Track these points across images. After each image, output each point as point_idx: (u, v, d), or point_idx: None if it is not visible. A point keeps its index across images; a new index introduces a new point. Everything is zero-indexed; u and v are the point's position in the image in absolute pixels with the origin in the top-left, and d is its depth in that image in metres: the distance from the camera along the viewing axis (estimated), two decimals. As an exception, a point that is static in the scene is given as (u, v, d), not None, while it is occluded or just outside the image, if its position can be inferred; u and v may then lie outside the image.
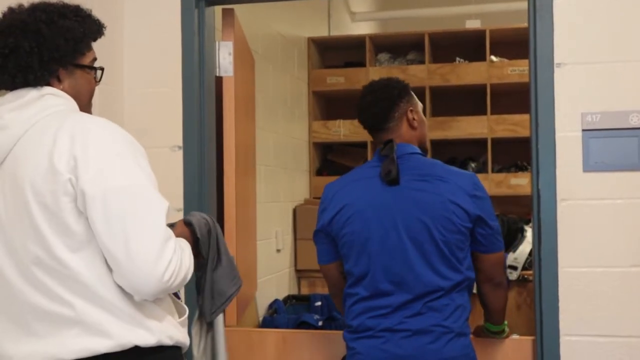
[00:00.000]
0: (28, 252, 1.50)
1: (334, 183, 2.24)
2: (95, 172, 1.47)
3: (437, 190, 2.07)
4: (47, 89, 1.61)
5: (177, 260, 1.49)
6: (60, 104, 1.60)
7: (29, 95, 1.58)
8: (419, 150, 2.19)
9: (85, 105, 1.70)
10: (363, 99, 2.24)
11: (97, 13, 1.75)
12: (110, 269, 1.50)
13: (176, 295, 1.77)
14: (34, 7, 1.63)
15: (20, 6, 1.64)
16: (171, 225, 1.69)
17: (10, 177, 1.54)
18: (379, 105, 2.19)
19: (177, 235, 1.62)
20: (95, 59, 1.72)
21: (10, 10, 1.64)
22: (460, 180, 2.10)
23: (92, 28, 1.68)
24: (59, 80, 1.64)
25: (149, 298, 1.50)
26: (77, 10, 1.67)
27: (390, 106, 2.19)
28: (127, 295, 1.51)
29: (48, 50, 1.59)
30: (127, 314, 1.51)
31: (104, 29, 1.73)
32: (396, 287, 2.06)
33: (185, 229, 1.81)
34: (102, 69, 1.75)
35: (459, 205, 2.05)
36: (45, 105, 1.57)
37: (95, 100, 1.77)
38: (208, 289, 1.88)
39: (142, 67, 2.57)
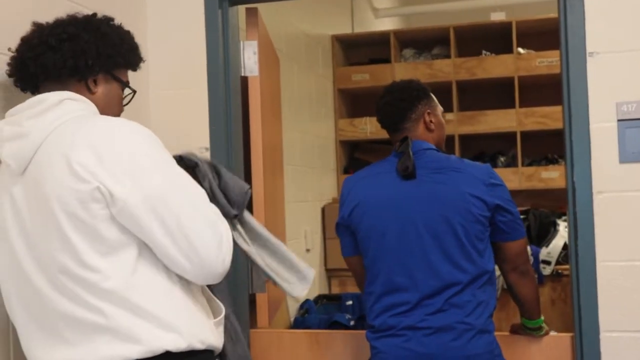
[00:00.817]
0: (55, 261, 1.49)
1: (352, 177, 2.27)
2: (130, 178, 1.46)
3: (454, 181, 2.08)
4: (67, 94, 1.59)
5: (229, 235, 1.55)
6: (80, 109, 1.58)
7: (48, 100, 1.56)
8: (433, 146, 2.21)
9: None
10: (382, 99, 2.28)
11: (121, 15, 1.76)
12: (141, 273, 1.49)
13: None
14: (94, 13, 1.71)
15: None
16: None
17: (33, 186, 1.52)
18: (396, 106, 2.24)
19: None
20: (128, 83, 1.76)
21: (72, 14, 1.70)
22: (475, 170, 2.11)
23: (137, 56, 1.76)
24: (96, 84, 1.66)
25: (216, 282, 1.57)
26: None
27: (407, 107, 2.23)
28: (156, 299, 1.50)
29: (105, 45, 1.64)
30: (157, 318, 1.49)
31: (140, 64, 1.80)
32: (414, 282, 2.05)
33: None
34: (134, 92, 1.79)
35: (476, 195, 2.05)
36: (64, 111, 1.56)
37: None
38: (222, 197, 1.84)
39: (167, 69, 2.56)
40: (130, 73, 1.78)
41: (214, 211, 1.56)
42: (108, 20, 1.71)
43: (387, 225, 2.09)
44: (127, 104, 1.78)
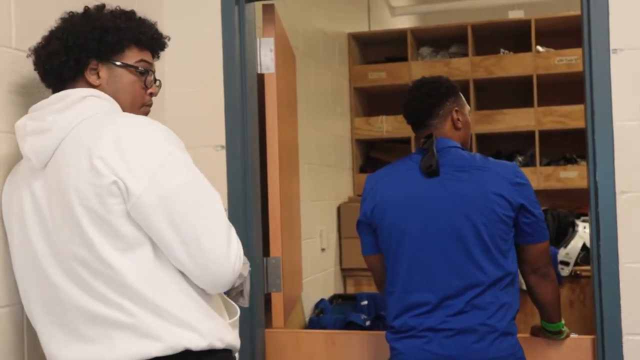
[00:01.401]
0: (75, 255, 1.48)
1: (375, 174, 2.23)
2: (149, 176, 1.45)
3: (478, 180, 2.03)
4: (90, 91, 1.59)
5: (240, 246, 1.53)
6: (102, 106, 1.57)
7: (71, 97, 1.56)
8: (458, 144, 2.16)
9: (126, 108, 1.65)
10: (410, 93, 2.23)
11: (137, 13, 1.73)
12: (159, 271, 1.48)
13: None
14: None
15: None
16: None
17: (54, 181, 1.52)
18: (424, 101, 2.19)
19: None
20: (142, 62, 1.68)
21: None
22: (500, 168, 2.07)
23: (134, 29, 1.67)
24: (98, 76, 1.63)
25: (224, 289, 1.54)
26: (122, 12, 1.68)
27: (436, 103, 2.18)
28: (175, 298, 1.49)
29: (75, 37, 1.59)
30: (176, 317, 1.48)
31: (159, 41, 1.73)
32: (435, 282, 2.01)
33: None
34: (151, 73, 1.70)
35: (500, 194, 2.01)
36: (87, 107, 1.55)
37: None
38: None
39: (183, 66, 2.54)
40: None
41: (226, 218, 1.54)
42: (87, 9, 1.66)
43: (408, 223, 2.06)
44: (150, 86, 1.70)
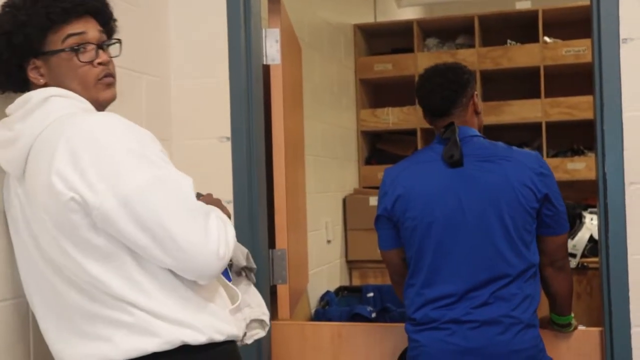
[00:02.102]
0: (62, 264, 1.46)
1: (394, 167, 2.18)
2: (105, 183, 1.38)
3: (503, 170, 2.00)
4: (52, 90, 1.51)
5: (222, 230, 1.45)
6: (67, 106, 1.49)
7: (32, 100, 1.49)
8: (479, 133, 2.13)
9: (85, 93, 1.54)
10: (429, 81, 2.16)
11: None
12: (142, 276, 1.45)
13: (227, 275, 1.71)
14: None
15: None
16: (198, 195, 1.63)
17: (30, 192, 1.48)
18: (449, 88, 2.12)
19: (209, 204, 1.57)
20: (70, 35, 1.52)
21: None
22: (525, 158, 2.04)
23: (40, 13, 1.51)
24: (40, 73, 1.54)
25: (214, 277, 1.49)
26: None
27: (460, 90, 2.13)
28: (165, 299, 1.46)
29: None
30: (169, 318, 1.45)
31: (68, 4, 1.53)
32: (459, 274, 1.99)
33: (216, 199, 1.77)
34: (84, 45, 1.52)
35: (525, 184, 1.99)
36: (49, 110, 1.48)
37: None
38: None
39: (189, 57, 2.52)
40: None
41: (200, 205, 1.46)
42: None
43: (433, 216, 2.02)
44: (97, 59, 1.55)
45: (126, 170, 1.39)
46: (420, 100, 2.18)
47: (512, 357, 1.95)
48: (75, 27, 1.53)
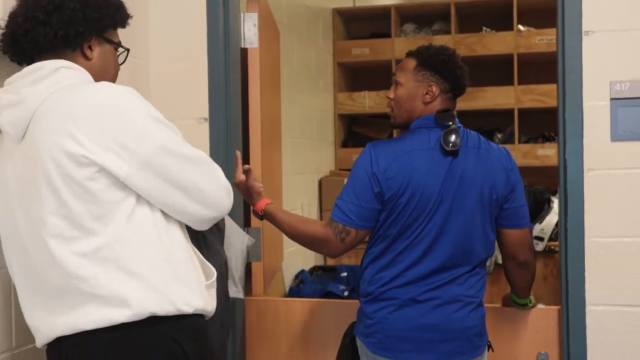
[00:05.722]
0: (47, 225, 1.52)
1: (385, 150, 2.05)
2: (135, 138, 1.52)
3: (484, 162, 2.06)
4: (62, 62, 1.62)
5: (220, 170, 1.71)
6: (74, 77, 1.61)
7: (44, 69, 1.59)
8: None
9: (111, 82, 1.70)
10: (461, 67, 2.16)
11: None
12: (132, 233, 1.54)
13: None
14: None
15: None
16: None
17: (31, 151, 1.55)
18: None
19: None
20: (120, 43, 1.77)
21: None
22: (499, 152, 2.12)
23: (124, 14, 1.76)
24: (91, 49, 1.68)
25: (227, 212, 1.74)
26: None
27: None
28: (148, 258, 1.54)
29: (91, 10, 1.64)
30: (145, 279, 1.53)
31: (129, 19, 1.80)
32: (431, 256, 2.03)
33: None
34: (127, 50, 1.79)
35: (500, 177, 2.07)
36: (60, 78, 1.59)
37: (121, 73, 1.80)
38: None
39: (168, 39, 2.58)
40: (130, 44, 1.81)
41: (205, 155, 1.68)
42: None
43: (419, 202, 2.00)
44: (122, 62, 1.80)
45: (147, 133, 1.55)
46: (456, 82, 2.13)
47: (465, 333, 2.04)
48: (118, 37, 1.79)
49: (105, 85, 1.60)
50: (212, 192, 1.65)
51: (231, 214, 2.52)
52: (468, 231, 2.04)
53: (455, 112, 2.16)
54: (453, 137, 2.01)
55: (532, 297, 2.36)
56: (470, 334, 2.05)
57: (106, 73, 1.71)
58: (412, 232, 2.02)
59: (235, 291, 2.28)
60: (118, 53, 1.77)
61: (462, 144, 2.03)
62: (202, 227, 1.73)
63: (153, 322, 1.53)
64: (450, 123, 2.05)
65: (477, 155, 2.07)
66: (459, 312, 2.04)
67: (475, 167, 2.05)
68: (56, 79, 1.58)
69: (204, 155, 1.67)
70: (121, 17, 1.75)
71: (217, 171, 1.69)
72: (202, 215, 1.67)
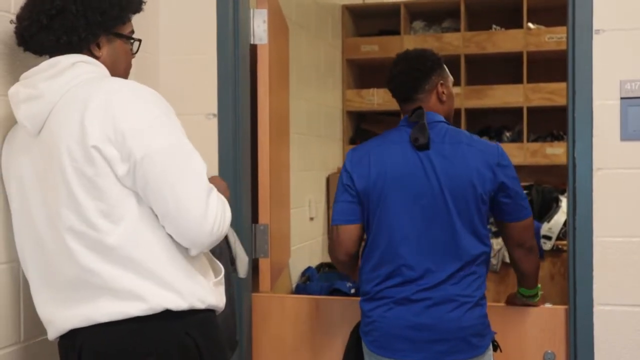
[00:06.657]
0: (62, 218, 1.54)
1: (359, 148, 2.25)
2: (136, 136, 1.51)
3: (464, 156, 2.07)
4: (79, 57, 1.63)
5: (221, 209, 1.57)
6: (91, 71, 1.63)
7: (61, 63, 1.60)
8: (444, 119, 2.19)
9: (121, 77, 1.71)
10: (395, 67, 2.25)
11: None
12: (144, 231, 1.55)
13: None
14: None
15: None
16: None
17: (48, 145, 1.57)
18: (411, 75, 2.20)
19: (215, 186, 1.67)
20: (132, 32, 1.76)
21: None
22: (485, 148, 2.12)
23: (135, 2, 1.74)
24: (99, 47, 1.68)
25: (204, 249, 1.59)
26: None
27: (422, 77, 2.20)
28: (159, 256, 1.55)
29: (93, 13, 1.63)
30: (158, 277, 1.54)
31: (143, 4, 1.77)
32: (417, 254, 2.05)
33: (223, 182, 1.90)
34: (139, 41, 1.78)
35: (482, 172, 2.06)
36: (77, 73, 1.60)
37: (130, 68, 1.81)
38: None
39: (178, 34, 2.58)
40: (142, 37, 1.81)
41: (209, 186, 1.57)
42: None
43: (394, 196, 2.07)
44: (135, 52, 1.79)
45: (154, 131, 1.53)
46: (387, 83, 2.26)
47: (461, 333, 2.04)
48: (131, 26, 1.76)
49: (124, 81, 1.61)
50: (190, 218, 1.53)
51: (238, 211, 2.53)
52: (447, 224, 2.05)
53: (453, 111, 2.28)
54: (419, 132, 2.09)
55: (539, 287, 2.36)
56: (467, 334, 2.05)
57: (117, 67, 1.71)
58: (389, 224, 2.07)
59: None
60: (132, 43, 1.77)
61: (438, 139, 2.09)
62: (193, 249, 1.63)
63: (167, 317, 1.55)
64: (415, 121, 2.13)
65: (455, 150, 2.08)
66: (454, 312, 2.04)
67: (451, 162, 2.07)
68: (74, 74, 1.60)
69: (207, 184, 1.57)
70: (133, 7, 1.73)
71: (212, 201, 1.55)
72: (174, 236, 1.57)
